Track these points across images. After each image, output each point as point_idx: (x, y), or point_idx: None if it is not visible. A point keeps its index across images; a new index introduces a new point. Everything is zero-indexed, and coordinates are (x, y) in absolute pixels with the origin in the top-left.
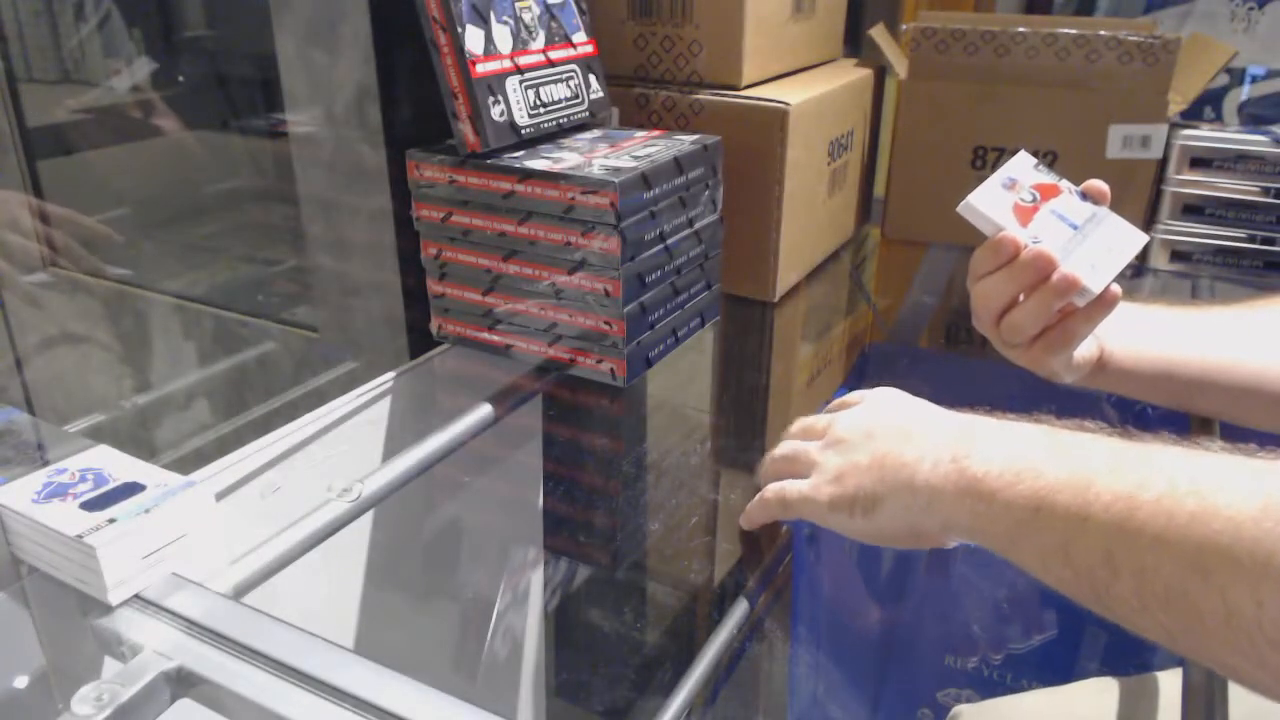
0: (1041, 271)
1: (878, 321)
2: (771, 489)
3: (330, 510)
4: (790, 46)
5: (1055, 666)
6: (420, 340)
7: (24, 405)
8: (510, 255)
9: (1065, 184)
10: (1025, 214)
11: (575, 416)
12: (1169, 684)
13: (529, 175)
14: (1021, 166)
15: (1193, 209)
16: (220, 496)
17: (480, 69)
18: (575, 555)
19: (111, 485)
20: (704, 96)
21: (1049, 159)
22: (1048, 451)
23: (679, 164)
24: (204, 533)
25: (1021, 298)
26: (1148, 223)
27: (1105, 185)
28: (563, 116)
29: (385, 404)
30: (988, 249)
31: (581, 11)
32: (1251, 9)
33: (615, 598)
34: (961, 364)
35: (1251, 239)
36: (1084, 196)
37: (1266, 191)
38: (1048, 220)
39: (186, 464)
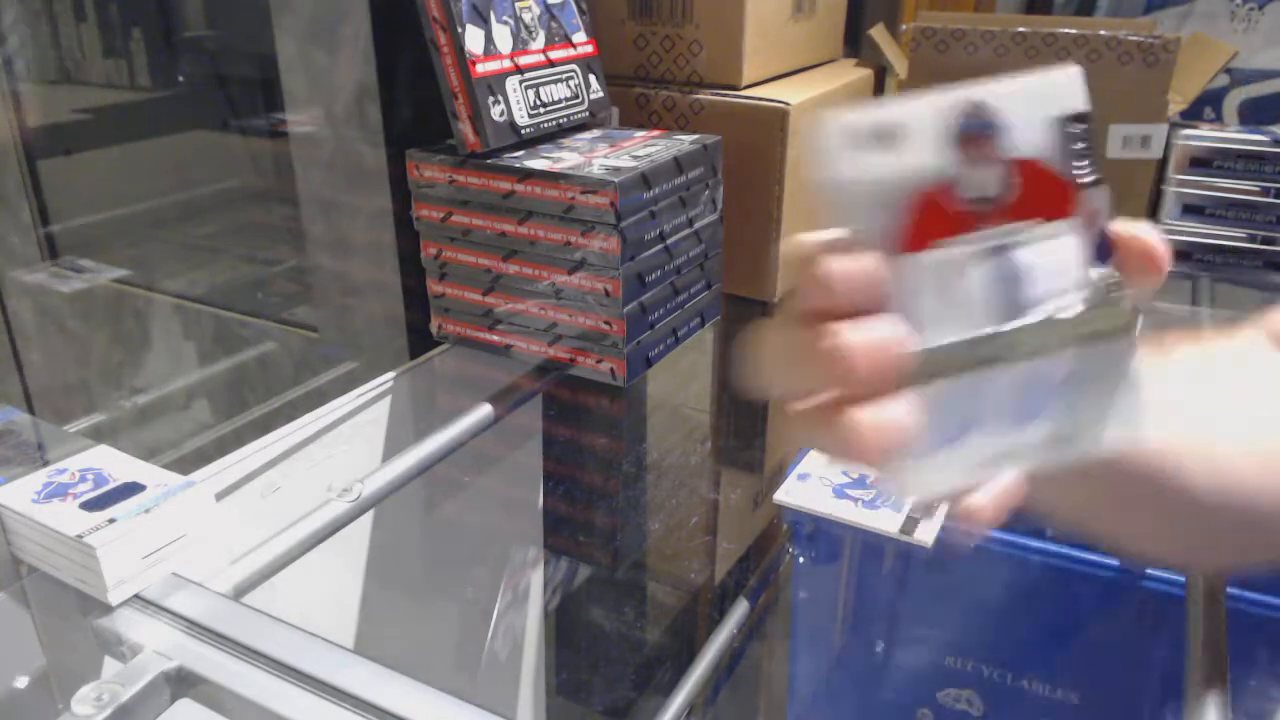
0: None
1: None
2: None
3: (330, 510)
4: (790, 46)
5: (1055, 667)
6: (420, 340)
7: (23, 404)
8: (510, 255)
9: (1092, 198)
10: (937, 227)
11: (575, 416)
12: None
13: (529, 175)
14: (1034, 108)
15: (1193, 209)
16: (220, 496)
17: (480, 69)
18: (575, 555)
19: (111, 485)
20: (704, 96)
21: None
22: None
23: (679, 164)
24: (204, 533)
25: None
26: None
27: (1158, 246)
28: (563, 116)
29: (385, 404)
30: (807, 274)
31: (581, 11)
32: (1251, 9)
33: (615, 598)
34: None
35: (1251, 239)
36: (1104, 248)
37: (1266, 191)
38: (979, 275)
39: (186, 464)
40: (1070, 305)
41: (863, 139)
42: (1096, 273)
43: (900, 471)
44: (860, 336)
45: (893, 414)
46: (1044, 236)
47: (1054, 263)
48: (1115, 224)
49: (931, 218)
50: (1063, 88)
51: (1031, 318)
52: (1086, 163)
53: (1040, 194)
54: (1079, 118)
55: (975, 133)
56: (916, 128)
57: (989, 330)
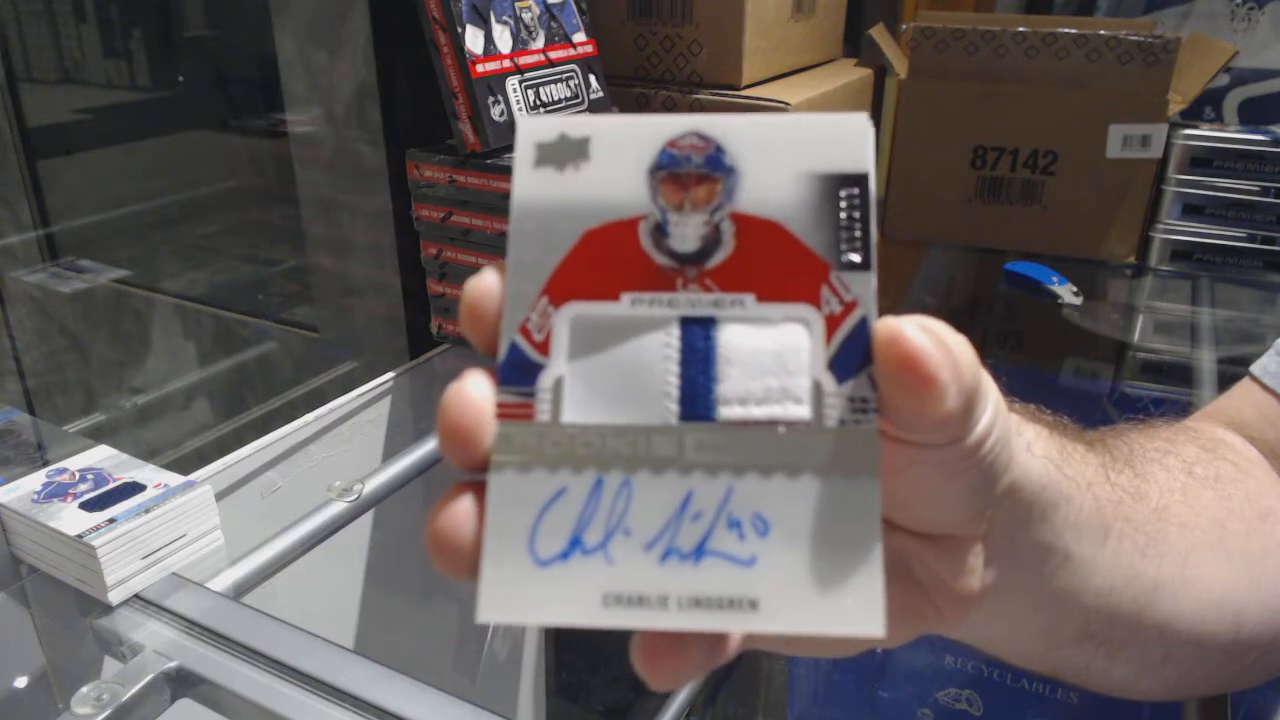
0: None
1: None
2: None
3: (330, 510)
4: (790, 46)
5: None
6: (420, 340)
7: (23, 404)
8: None
9: (851, 284)
10: (617, 277)
11: None
12: None
13: None
14: (784, 156)
15: (1193, 209)
16: (220, 496)
17: (480, 69)
18: None
19: (111, 485)
20: (704, 96)
21: (1049, 159)
22: None
23: None
24: (204, 533)
25: None
26: (1148, 223)
27: (925, 356)
28: None
29: (385, 404)
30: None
31: (581, 11)
32: (1251, 9)
33: None
34: None
35: (1251, 239)
36: (859, 353)
37: (1266, 191)
38: (655, 346)
39: (186, 464)
40: (788, 416)
41: (546, 152)
42: (839, 383)
43: (485, 583)
44: (450, 389)
45: (458, 506)
46: (765, 318)
47: (773, 356)
48: (881, 323)
49: (610, 263)
50: (835, 139)
51: (721, 419)
52: (854, 239)
53: (773, 265)
54: (853, 180)
55: (681, 169)
56: (610, 148)
57: (652, 421)
